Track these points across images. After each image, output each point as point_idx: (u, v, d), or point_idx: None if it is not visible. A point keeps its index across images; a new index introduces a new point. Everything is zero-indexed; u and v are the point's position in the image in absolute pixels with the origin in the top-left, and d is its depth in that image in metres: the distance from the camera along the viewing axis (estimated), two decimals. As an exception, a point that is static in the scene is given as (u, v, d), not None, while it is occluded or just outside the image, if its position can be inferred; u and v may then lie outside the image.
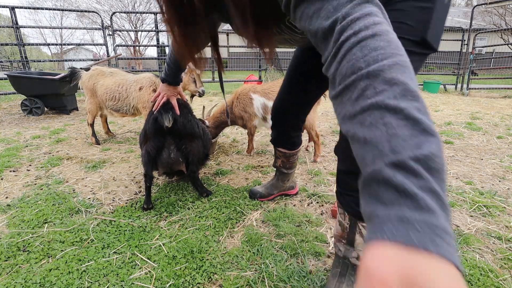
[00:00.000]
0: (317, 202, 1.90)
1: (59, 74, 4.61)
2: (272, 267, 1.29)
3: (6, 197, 2.01)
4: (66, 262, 1.33)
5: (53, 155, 2.81)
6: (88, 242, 1.48)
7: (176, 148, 1.76)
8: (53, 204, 1.87)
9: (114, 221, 1.67)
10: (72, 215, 1.76)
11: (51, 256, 1.39)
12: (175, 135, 1.74)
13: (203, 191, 1.94)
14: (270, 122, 2.65)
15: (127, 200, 1.95)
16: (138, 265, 1.32)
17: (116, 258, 1.36)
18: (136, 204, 1.87)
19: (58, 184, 2.20)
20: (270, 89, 2.60)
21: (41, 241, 1.50)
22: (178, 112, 1.68)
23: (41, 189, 2.12)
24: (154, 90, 2.80)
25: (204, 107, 2.87)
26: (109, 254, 1.39)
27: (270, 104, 2.55)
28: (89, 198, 1.97)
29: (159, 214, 1.75)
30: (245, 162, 2.65)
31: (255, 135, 3.11)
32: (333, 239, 1.09)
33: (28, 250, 1.43)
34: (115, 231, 1.57)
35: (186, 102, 1.85)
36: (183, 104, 1.80)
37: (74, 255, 1.39)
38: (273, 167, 1.94)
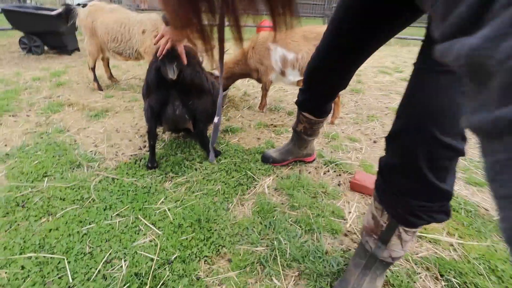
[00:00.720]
0: (334, 171, 1.76)
1: (57, 9, 4.20)
2: (285, 244, 1.20)
3: (5, 145, 1.91)
4: (66, 223, 1.25)
5: (53, 100, 2.65)
6: (89, 202, 1.39)
7: (182, 104, 1.56)
8: (53, 156, 1.76)
9: (117, 179, 1.57)
10: (73, 169, 1.66)
11: (51, 214, 1.32)
12: (181, 89, 1.53)
13: (213, 152, 1.79)
14: (289, 77, 2.40)
15: (131, 155, 1.83)
16: (142, 230, 1.24)
17: (119, 221, 1.28)
18: (140, 161, 1.76)
19: (59, 133, 2.07)
20: (291, 39, 2.29)
21: (40, 197, 1.41)
22: (184, 61, 1.45)
23: (41, 137, 2.00)
24: None
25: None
26: (111, 217, 1.30)
27: (290, 56, 2.26)
28: (90, 151, 1.86)
29: (165, 174, 1.64)
30: (257, 119, 2.47)
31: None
32: (363, 232, 0.94)
33: (27, 207, 1.35)
34: (118, 190, 1.48)
35: (194, 51, 1.60)
36: (191, 52, 1.55)
37: (75, 215, 1.31)
38: (292, 129, 1.76)
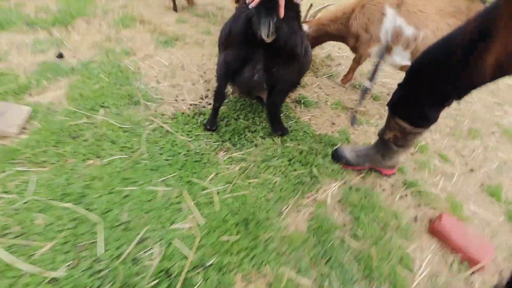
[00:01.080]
0: (414, 198, 1.42)
1: None
2: (336, 287, 0.99)
3: (74, 56, 1.82)
4: (111, 175, 1.16)
5: (127, 12, 2.47)
6: (138, 155, 1.27)
7: (263, 69, 1.26)
8: (114, 83, 1.64)
9: (172, 133, 1.41)
10: (131, 106, 1.53)
11: (99, 157, 1.23)
12: (269, 49, 1.20)
13: (279, 129, 1.53)
14: (394, 57, 1.90)
15: (190, 105, 1.64)
16: (183, 211, 1.10)
17: (163, 191, 1.15)
18: (200, 116, 1.56)
19: (125, 55, 1.92)
20: (419, 7, 1.72)
21: (93, 132, 1.32)
22: (282, 14, 1.09)
23: (108, 56, 1.87)
24: None
25: (311, 5, 2.10)
26: (156, 183, 1.18)
27: (408, 31, 1.73)
28: (152, 88, 1.70)
29: (221, 141, 1.44)
30: (336, 95, 2.08)
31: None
32: None
33: (78, 141, 1.27)
34: (169, 149, 1.33)
35: (295, 1, 1.22)
36: (292, 3, 1.18)
37: (121, 167, 1.20)
38: (378, 136, 1.41)
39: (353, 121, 1.18)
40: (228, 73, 1.30)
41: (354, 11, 1.91)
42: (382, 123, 1.87)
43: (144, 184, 1.16)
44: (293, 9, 1.19)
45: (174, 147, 1.34)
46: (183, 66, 1.96)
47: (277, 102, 1.44)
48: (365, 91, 1.07)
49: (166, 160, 1.27)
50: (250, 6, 1.07)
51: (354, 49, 2.03)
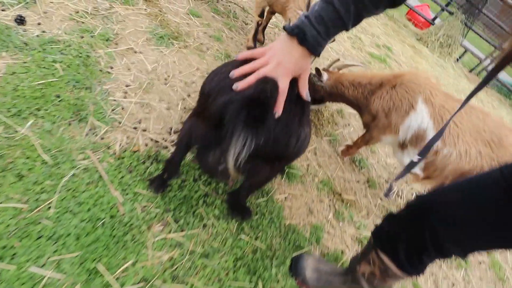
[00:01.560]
0: None
1: None
2: None
3: (38, 25, 1.46)
4: (-14, 237, 0.85)
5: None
6: (42, 209, 0.96)
7: (234, 161, 0.94)
8: (67, 82, 1.29)
9: (104, 183, 1.10)
10: (72, 123, 1.20)
11: (-11, 198, 0.92)
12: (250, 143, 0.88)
13: (239, 212, 1.23)
14: (404, 158, 1.59)
15: (151, 139, 1.32)
16: (62, 321, 0.81)
17: (45, 281, 0.86)
18: (153, 163, 1.25)
19: (103, 42, 1.56)
20: (453, 105, 1.40)
21: (0, 154, 1.00)
22: (279, 112, 0.77)
23: (81, 37, 1.51)
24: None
25: (338, 59, 1.75)
26: (45, 264, 0.88)
27: (431, 132, 1.42)
28: (113, 101, 1.36)
29: (164, 210, 1.14)
30: (329, 169, 1.78)
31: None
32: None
33: None
34: (88, 209, 1.02)
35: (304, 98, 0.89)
36: (299, 98, 0.86)
37: (8, 224, 0.90)
38: (349, 265, 1.14)
39: (389, 192, 0.94)
40: (188, 144, 0.98)
41: (381, 87, 1.58)
42: (367, 224, 1.59)
43: (28, 263, 0.86)
44: (299, 104, 0.86)
45: (96, 207, 1.03)
46: (167, 79, 1.62)
47: (243, 195, 1.14)
48: (411, 166, 0.83)
49: (76, 227, 0.97)
50: (234, 87, 0.75)
51: (366, 126, 1.71)
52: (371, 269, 1.05)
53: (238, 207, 1.21)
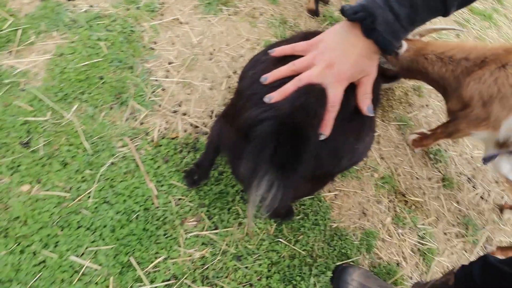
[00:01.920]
0: None
1: None
2: None
3: (87, 1, 1.42)
4: (37, 221, 0.91)
5: None
6: (82, 199, 0.99)
7: (274, 181, 0.78)
8: (111, 62, 1.26)
9: (140, 173, 1.08)
10: (113, 106, 1.18)
11: (40, 183, 0.97)
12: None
13: (280, 213, 1.11)
14: (503, 164, 1.22)
15: (191, 124, 1.24)
16: (95, 312, 0.86)
17: (82, 271, 0.90)
18: (189, 152, 1.18)
19: (149, 13, 1.47)
20: None
21: (48, 142, 1.04)
22: (328, 132, 0.58)
23: (127, 9, 1.44)
24: None
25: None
26: (84, 253, 0.91)
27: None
28: (154, 82, 1.30)
29: (198, 205, 1.09)
30: (394, 162, 1.50)
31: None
32: None
33: (27, 148, 1.01)
34: (124, 201, 1.02)
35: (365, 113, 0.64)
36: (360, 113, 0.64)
37: (53, 212, 0.94)
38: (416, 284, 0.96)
39: (489, 159, 0.75)
40: (217, 150, 0.85)
41: (484, 65, 1.17)
42: (433, 233, 1.34)
43: (68, 252, 0.91)
44: (357, 117, 0.64)
45: (131, 198, 1.02)
46: (212, 53, 1.48)
47: (281, 210, 1.00)
48: None
49: (112, 219, 0.98)
50: (266, 100, 0.57)
51: (451, 114, 1.34)
52: (447, 277, 0.87)
53: (282, 209, 1.09)
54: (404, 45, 1.40)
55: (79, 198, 0.98)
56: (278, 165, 0.48)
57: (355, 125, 0.62)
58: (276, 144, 0.48)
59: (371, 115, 0.61)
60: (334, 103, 0.55)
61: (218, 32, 1.56)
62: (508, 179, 1.21)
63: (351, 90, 0.59)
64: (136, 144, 1.13)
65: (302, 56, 0.61)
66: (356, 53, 0.55)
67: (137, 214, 1.00)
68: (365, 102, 0.59)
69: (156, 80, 1.30)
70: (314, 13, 1.85)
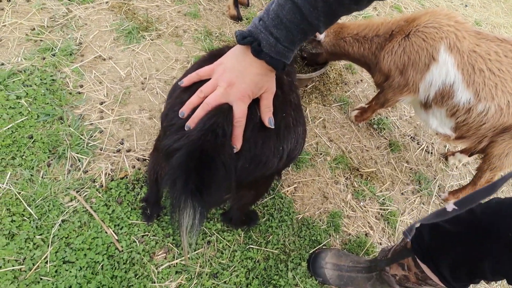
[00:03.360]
0: None
1: None
2: None
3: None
4: (-11, 310, 0.86)
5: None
6: (40, 266, 0.95)
7: (193, 208, 0.80)
8: (37, 118, 1.21)
9: (95, 222, 1.05)
10: (51, 162, 1.14)
11: (-14, 266, 0.92)
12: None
13: (242, 221, 1.14)
14: (431, 120, 1.34)
15: (138, 159, 1.23)
16: None
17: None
18: (143, 186, 1.17)
19: (67, 57, 1.42)
20: (489, 64, 1.10)
21: (-15, 218, 0.98)
22: (239, 147, 0.62)
23: (43, 59, 1.39)
24: None
25: None
26: (51, 323, 0.88)
27: (463, 96, 1.15)
28: (90, 126, 1.27)
29: (163, 236, 1.09)
30: (343, 140, 1.59)
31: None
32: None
33: (-40, 236, 0.94)
34: (84, 255, 0.99)
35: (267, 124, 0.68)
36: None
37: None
38: (376, 266, 1.03)
39: (409, 233, 0.83)
40: (158, 183, 0.86)
41: (392, 38, 1.28)
42: (392, 197, 1.44)
43: (35, 325, 0.87)
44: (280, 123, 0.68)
45: (92, 250, 1.00)
46: (144, 82, 1.47)
47: (236, 215, 1.04)
48: (442, 214, 0.71)
49: (76, 277, 0.95)
50: (186, 128, 0.60)
51: (379, 86, 1.45)
52: (405, 273, 0.95)
53: (239, 218, 1.12)
54: (322, 37, 1.49)
55: (35, 266, 0.94)
56: (193, 191, 0.51)
57: (271, 130, 0.66)
58: (187, 172, 0.51)
59: (272, 127, 0.64)
60: (239, 118, 0.59)
61: (145, 59, 1.55)
62: (438, 132, 1.33)
63: (257, 103, 0.64)
64: (84, 194, 1.10)
65: (209, 79, 0.64)
66: (253, 72, 0.59)
67: (101, 264, 0.98)
68: (266, 115, 0.64)
69: (91, 124, 1.27)
70: (237, 18, 1.90)
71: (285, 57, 0.59)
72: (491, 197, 0.69)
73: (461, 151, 1.66)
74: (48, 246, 0.98)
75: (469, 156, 1.63)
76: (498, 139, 1.18)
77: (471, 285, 0.82)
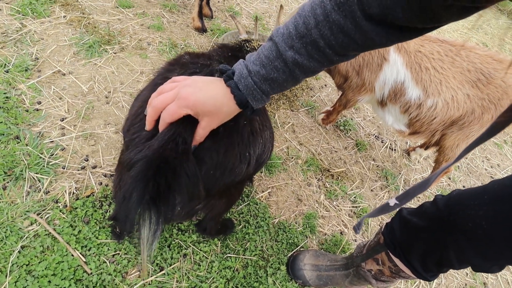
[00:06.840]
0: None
1: None
2: None
3: None
4: None
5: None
6: (-5, 299, 0.86)
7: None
8: (-11, 140, 1.12)
9: (60, 246, 0.98)
10: (7, 185, 1.06)
11: None
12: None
13: (218, 231, 1.13)
14: (386, 116, 1.43)
15: (105, 175, 1.18)
16: None
17: None
18: (111, 203, 1.12)
19: (23, 73, 1.34)
20: (434, 63, 1.21)
21: None
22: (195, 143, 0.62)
23: (-7, 77, 1.30)
24: None
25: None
26: None
27: (413, 93, 1.25)
28: (50, 144, 1.20)
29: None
30: (313, 143, 1.64)
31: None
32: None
33: None
34: (48, 283, 0.92)
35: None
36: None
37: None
38: (353, 259, 1.06)
39: (358, 227, 0.85)
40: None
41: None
42: (362, 194, 1.49)
43: None
44: (236, 125, 0.69)
45: (57, 276, 0.93)
46: (108, 96, 1.42)
47: (211, 226, 1.02)
48: (385, 209, 0.73)
49: (39, 307, 0.88)
50: (146, 128, 0.60)
51: (340, 88, 1.53)
52: (379, 267, 0.98)
53: (214, 227, 1.10)
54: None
55: (-9, 300, 0.86)
56: (151, 202, 0.50)
57: (234, 136, 0.67)
58: (145, 181, 0.50)
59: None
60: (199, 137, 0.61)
61: (108, 73, 1.51)
62: (394, 128, 1.42)
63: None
64: (46, 216, 1.03)
65: None
66: (216, 91, 0.60)
67: (69, 290, 0.92)
68: (195, 141, 0.62)
69: (52, 141, 1.20)
70: (201, 30, 1.91)
71: (252, 95, 0.60)
72: (425, 191, 0.75)
73: (421, 146, 1.77)
74: (6, 276, 0.90)
75: (425, 149, 1.75)
76: (448, 132, 1.28)
77: (440, 274, 0.87)
